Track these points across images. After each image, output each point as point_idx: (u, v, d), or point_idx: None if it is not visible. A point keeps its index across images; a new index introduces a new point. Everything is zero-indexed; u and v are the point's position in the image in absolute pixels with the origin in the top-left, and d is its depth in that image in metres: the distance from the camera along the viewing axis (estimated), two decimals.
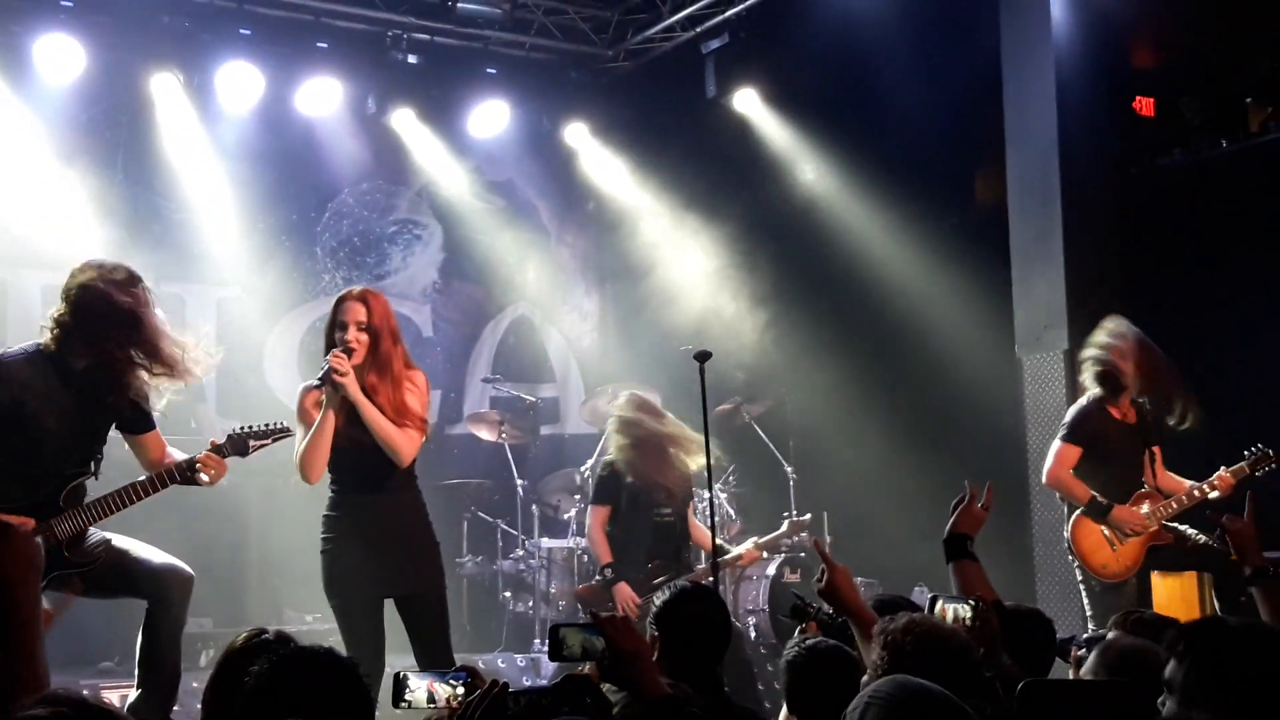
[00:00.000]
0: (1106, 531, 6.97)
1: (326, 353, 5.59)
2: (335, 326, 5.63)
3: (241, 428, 5.56)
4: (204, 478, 5.37)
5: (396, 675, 3.14)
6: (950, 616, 3.80)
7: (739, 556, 8.29)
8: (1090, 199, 8.63)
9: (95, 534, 5.33)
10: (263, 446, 5.56)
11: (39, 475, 5.21)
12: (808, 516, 8.82)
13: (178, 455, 5.47)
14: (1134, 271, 8.66)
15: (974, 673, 3.34)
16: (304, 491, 5.81)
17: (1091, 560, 6.99)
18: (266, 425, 5.60)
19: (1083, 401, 7.22)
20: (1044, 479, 7.22)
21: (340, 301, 5.66)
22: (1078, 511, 7.03)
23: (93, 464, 5.37)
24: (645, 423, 7.84)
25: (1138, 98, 9.01)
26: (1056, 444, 7.15)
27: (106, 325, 5.23)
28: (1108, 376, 7.03)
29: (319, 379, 5.57)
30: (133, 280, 5.33)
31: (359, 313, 5.57)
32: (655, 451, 7.81)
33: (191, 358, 5.40)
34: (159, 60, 9.48)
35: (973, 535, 4.31)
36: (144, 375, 5.33)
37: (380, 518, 5.67)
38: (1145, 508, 6.97)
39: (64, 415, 5.23)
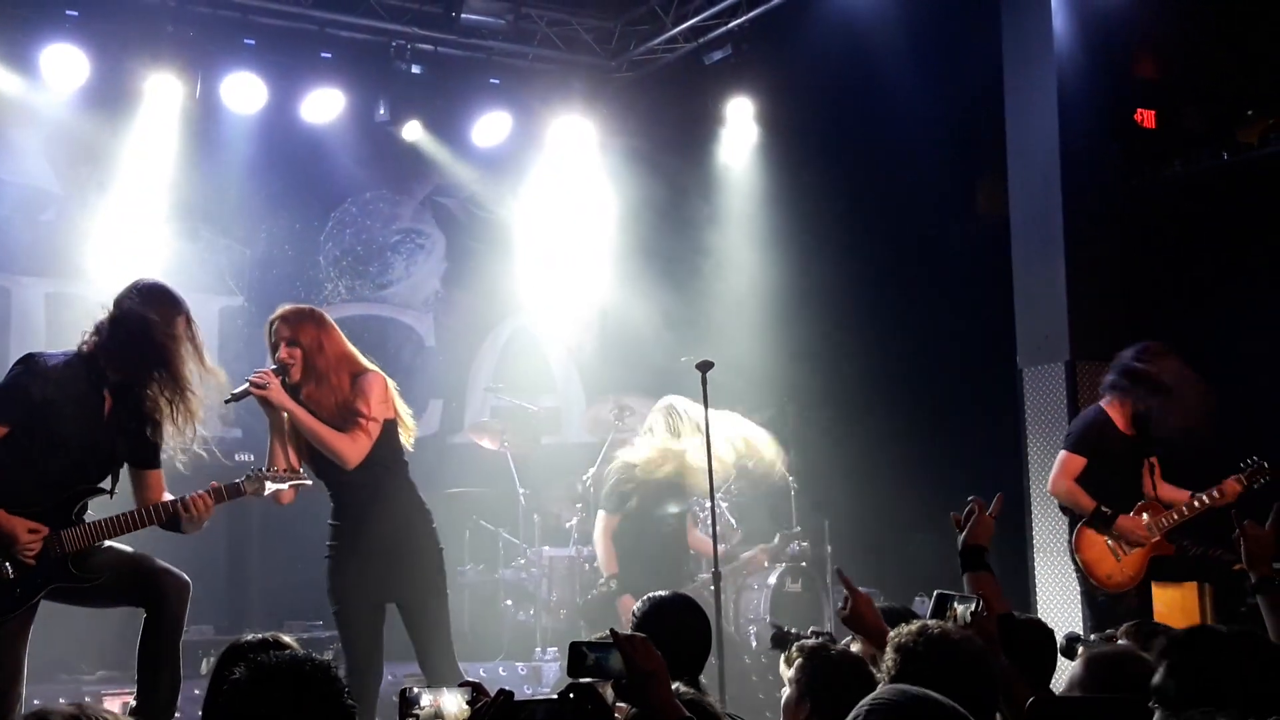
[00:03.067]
0: (1110, 542, 6.97)
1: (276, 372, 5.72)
2: (271, 350, 5.81)
3: (258, 469, 5.58)
4: (187, 518, 5.37)
5: (403, 691, 3.13)
6: (957, 616, 3.80)
7: (749, 559, 8.40)
8: (1091, 210, 8.64)
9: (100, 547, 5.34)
10: (277, 492, 5.59)
11: (52, 483, 5.22)
12: (798, 529, 8.89)
13: (169, 499, 5.50)
14: (1135, 282, 8.67)
15: (988, 684, 3.32)
16: (306, 499, 5.84)
17: (1096, 570, 6.98)
18: (286, 470, 5.65)
19: (1087, 412, 7.22)
20: (1049, 488, 7.21)
21: (268, 325, 5.84)
22: (1081, 522, 7.03)
23: (109, 480, 5.40)
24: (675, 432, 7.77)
25: (1139, 109, 9.03)
26: (1061, 453, 7.15)
27: (139, 347, 5.28)
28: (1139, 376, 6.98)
29: (231, 394, 5.64)
30: (174, 305, 5.39)
31: (282, 331, 5.78)
32: (677, 460, 7.81)
33: (201, 406, 5.44)
34: (163, 69, 9.47)
35: (986, 546, 4.29)
36: (163, 404, 5.37)
37: (376, 525, 5.76)
38: (1146, 518, 6.97)
39: (88, 425, 5.27)
